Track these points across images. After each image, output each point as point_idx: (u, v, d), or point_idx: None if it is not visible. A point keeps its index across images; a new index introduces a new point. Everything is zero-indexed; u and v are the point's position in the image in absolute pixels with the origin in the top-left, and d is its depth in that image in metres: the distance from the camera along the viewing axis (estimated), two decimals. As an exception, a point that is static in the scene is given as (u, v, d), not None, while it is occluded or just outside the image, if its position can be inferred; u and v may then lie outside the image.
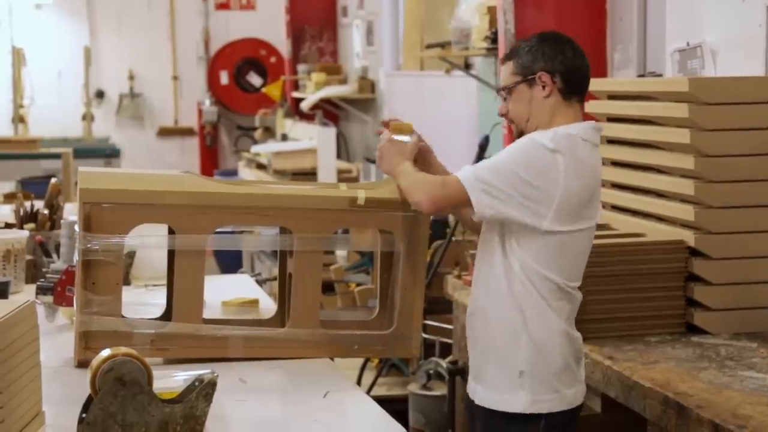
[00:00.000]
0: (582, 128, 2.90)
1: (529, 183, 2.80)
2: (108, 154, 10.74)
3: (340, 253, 7.33)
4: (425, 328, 5.17)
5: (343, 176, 8.34)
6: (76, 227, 2.99)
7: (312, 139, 8.58)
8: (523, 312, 2.88)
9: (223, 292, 3.84)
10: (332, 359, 3.16)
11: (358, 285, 6.28)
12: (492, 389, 2.95)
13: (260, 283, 4.79)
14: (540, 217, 2.82)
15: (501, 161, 2.85)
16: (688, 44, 4.24)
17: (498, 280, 2.91)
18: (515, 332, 2.89)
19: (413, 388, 5.12)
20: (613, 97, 3.98)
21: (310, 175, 8.27)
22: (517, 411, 2.90)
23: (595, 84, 4.10)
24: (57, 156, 7.61)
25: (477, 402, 3.00)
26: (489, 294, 2.94)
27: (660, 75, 4.58)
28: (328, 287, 6.39)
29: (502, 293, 2.90)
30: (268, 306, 3.74)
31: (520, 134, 2.95)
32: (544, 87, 2.91)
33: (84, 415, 2.30)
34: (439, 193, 2.90)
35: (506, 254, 2.89)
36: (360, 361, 5.81)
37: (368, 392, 5.33)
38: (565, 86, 2.91)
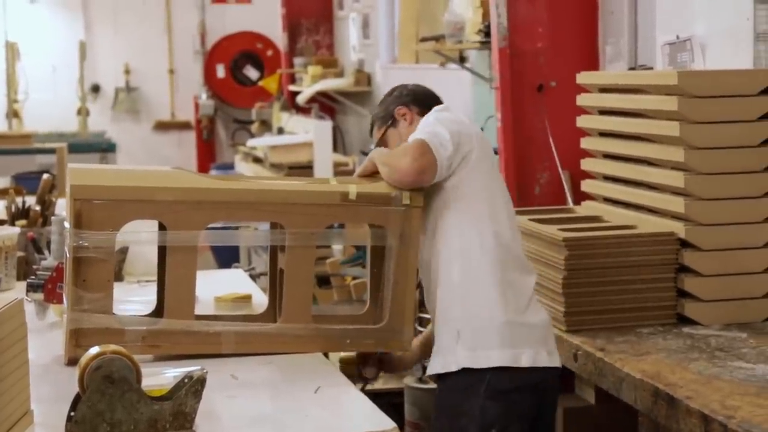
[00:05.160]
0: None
1: (458, 123, 3.03)
2: (104, 148, 10.76)
3: (337, 246, 7.32)
4: (420, 322, 5.17)
5: (340, 170, 8.32)
6: (66, 224, 2.99)
7: (308, 132, 8.58)
8: (457, 267, 2.96)
9: (216, 287, 3.84)
10: (326, 354, 3.16)
11: (354, 278, 6.27)
12: (436, 355, 3.02)
13: (254, 277, 4.78)
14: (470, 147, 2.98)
15: (437, 119, 3.04)
16: (677, 38, 4.25)
17: (441, 249, 3.00)
18: (450, 290, 2.98)
19: (409, 381, 5.11)
20: (604, 90, 3.99)
21: (306, 168, 8.27)
22: (451, 369, 2.94)
23: (587, 77, 4.12)
24: (52, 151, 7.60)
25: (427, 374, 3.10)
26: (435, 266, 3.03)
27: (651, 68, 4.59)
28: (324, 281, 6.38)
29: (443, 257, 2.99)
30: (262, 301, 3.74)
31: None
32: (404, 117, 3.18)
33: (72, 414, 2.31)
34: (418, 158, 2.95)
35: (444, 220, 2.99)
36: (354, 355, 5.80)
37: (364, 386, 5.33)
38: (419, 106, 3.19)
